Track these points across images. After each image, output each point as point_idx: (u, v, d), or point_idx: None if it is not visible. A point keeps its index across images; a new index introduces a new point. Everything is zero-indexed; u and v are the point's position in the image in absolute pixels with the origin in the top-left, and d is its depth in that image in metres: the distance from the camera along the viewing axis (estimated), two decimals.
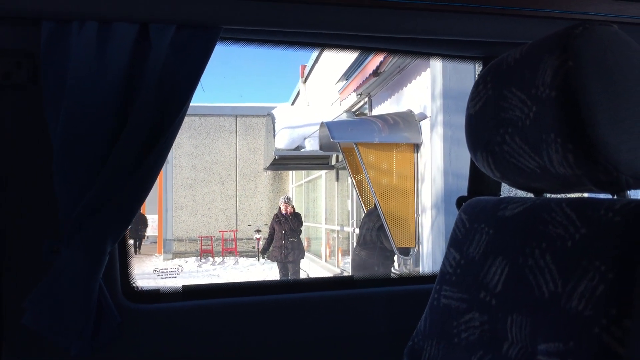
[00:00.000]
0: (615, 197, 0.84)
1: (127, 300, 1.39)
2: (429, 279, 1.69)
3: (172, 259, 16.58)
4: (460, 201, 1.48)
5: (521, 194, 1.10)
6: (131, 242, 18.07)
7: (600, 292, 0.75)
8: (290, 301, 1.52)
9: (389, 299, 1.60)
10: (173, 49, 1.20)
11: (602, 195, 0.89)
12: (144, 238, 18.72)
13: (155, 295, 1.46)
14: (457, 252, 1.10)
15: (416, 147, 6.87)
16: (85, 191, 1.18)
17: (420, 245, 6.72)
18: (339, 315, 1.54)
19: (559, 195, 0.99)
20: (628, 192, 0.84)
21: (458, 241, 1.11)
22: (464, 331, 1.01)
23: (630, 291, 0.72)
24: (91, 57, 1.17)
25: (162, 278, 12.73)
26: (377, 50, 1.57)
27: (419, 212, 6.75)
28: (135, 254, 17.75)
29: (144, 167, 1.20)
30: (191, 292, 1.48)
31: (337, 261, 11.77)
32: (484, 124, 1.00)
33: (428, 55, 1.62)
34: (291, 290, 1.56)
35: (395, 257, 7.11)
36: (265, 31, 1.32)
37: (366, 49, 1.51)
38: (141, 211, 18.14)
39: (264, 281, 5.48)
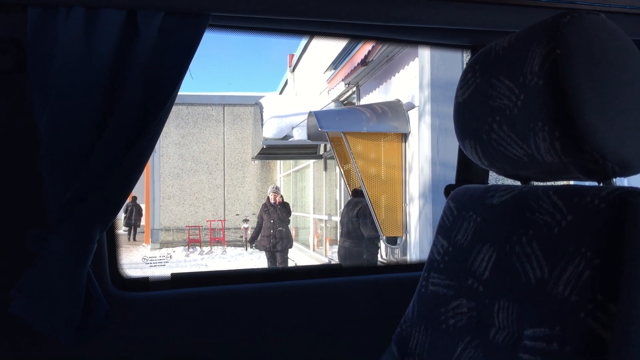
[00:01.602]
0: (601, 184, 0.85)
1: (115, 289, 1.38)
2: (416, 266, 1.71)
3: (160, 248, 16.55)
4: (448, 189, 1.49)
5: (508, 182, 1.11)
6: (125, 229, 18.23)
7: (586, 278, 0.76)
8: (279, 289, 1.52)
9: (377, 287, 1.61)
10: (161, 36, 1.19)
11: (587, 183, 0.90)
12: (138, 227, 18.76)
13: (144, 283, 1.45)
14: (445, 239, 1.11)
15: (404, 136, 6.90)
16: (73, 179, 1.17)
17: (407, 235, 6.76)
18: (327, 303, 1.54)
19: (545, 183, 1.00)
20: (614, 179, 0.85)
21: (446, 229, 1.12)
22: (452, 317, 1.02)
23: (615, 277, 0.73)
24: (78, 44, 1.15)
25: (150, 266, 12.85)
26: (366, 38, 1.57)
27: (407, 202, 6.78)
28: (130, 241, 18.02)
29: (132, 155, 1.19)
30: (180, 280, 1.48)
31: (325, 250, 11.81)
32: (473, 112, 1.00)
33: (417, 43, 1.62)
34: (280, 278, 1.57)
35: (383, 246, 7.15)
36: (254, 18, 1.31)
37: (355, 37, 1.51)
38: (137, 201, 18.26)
39: (253, 269, 5.48)
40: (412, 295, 1.18)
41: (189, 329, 1.43)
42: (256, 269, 7.87)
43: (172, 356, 1.41)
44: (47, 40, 1.16)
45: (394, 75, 7.52)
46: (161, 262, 13.38)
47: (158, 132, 1.22)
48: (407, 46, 5.81)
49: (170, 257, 14.24)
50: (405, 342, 1.12)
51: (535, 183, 1.05)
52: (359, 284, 1.60)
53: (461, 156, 1.62)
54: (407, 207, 6.77)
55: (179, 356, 1.42)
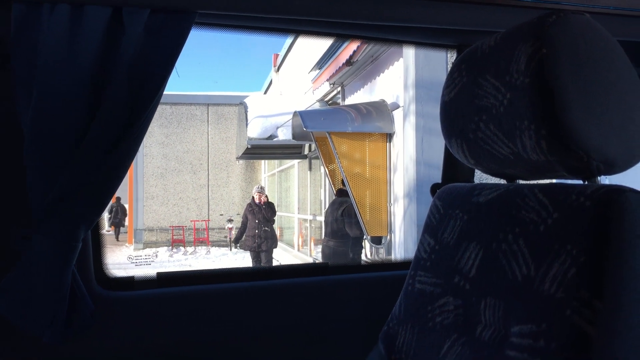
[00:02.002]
0: (586, 182, 0.86)
1: (100, 288, 1.37)
2: (403, 265, 1.71)
3: (143, 248, 16.44)
4: (434, 188, 1.49)
5: (492, 181, 1.12)
6: (107, 230, 18.13)
7: (571, 275, 0.76)
8: (265, 288, 1.52)
9: (364, 286, 1.62)
10: (147, 34, 1.18)
11: (569, 182, 0.91)
12: (123, 227, 18.66)
13: (129, 282, 1.44)
14: (432, 237, 1.11)
15: (389, 136, 6.92)
16: (57, 177, 1.16)
17: (392, 234, 6.78)
18: (313, 302, 1.54)
19: (531, 182, 1.01)
20: (598, 177, 0.86)
21: (432, 227, 1.12)
22: (438, 315, 1.03)
23: (601, 274, 0.74)
24: (63, 41, 1.14)
25: (136, 265, 12.91)
26: (353, 37, 1.58)
27: (392, 201, 6.81)
28: (116, 241, 17.92)
29: (117, 154, 1.18)
30: (166, 279, 1.47)
31: (310, 250, 11.81)
32: (459, 111, 1.01)
33: (403, 43, 1.62)
34: (266, 277, 1.57)
35: (367, 246, 7.17)
36: (240, 16, 1.31)
37: (342, 36, 1.52)
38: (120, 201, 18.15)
39: (239, 268, 5.46)
40: (398, 294, 1.18)
41: (175, 328, 1.42)
42: (242, 268, 7.85)
43: (157, 355, 1.40)
44: (32, 37, 1.15)
45: (379, 76, 7.55)
46: (147, 261, 13.49)
47: (144, 131, 1.21)
48: (393, 45, 5.83)
49: (156, 256, 14.35)
50: (392, 341, 1.12)
51: (521, 182, 1.06)
52: (346, 283, 1.61)
53: (447, 155, 1.63)
54: (391, 207, 6.80)
55: (165, 355, 1.41)
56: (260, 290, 1.51)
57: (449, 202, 1.11)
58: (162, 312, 1.42)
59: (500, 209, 0.95)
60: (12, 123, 1.21)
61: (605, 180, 1.01)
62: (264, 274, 1.59)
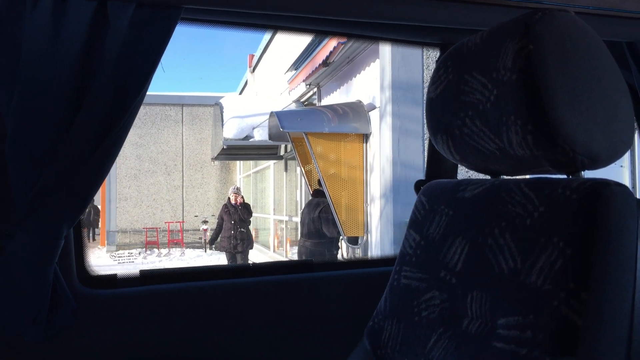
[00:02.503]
0: (571, 177, 0.88)
1: (82, 286, 1.35)
2: (387, 261, 1.72)
3: (116, 250, 16.22)
4: (418, 185, 1.50)
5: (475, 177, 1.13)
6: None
7: (558, 267, 0.78)
8: (249, 285, 1.51)
9: (349, 282, 1.62)
10: (132, 28, 1.16)
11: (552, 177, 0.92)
12: (97, 227, 18.40)
13: (111, 280, 1.42)
14: (417, 233, 1.12)
15: (365, 137, 6.95)
16: (40, 173, 1.14)
17: (369, 235, 6.80)
18: (298, 298, 1.54)
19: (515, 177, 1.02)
20: (582, 172, 0.88)
21: (418, 223, 1.13)
22: (424, 310, 1.03)
23: (588, 265, 0.75)
24: (46, 35, 1.11)
25: (119, 263, 13.63)
26: (335, 34, 1.58)
27: (368, 202, 6.83)
28: (90, 242, 17.82)
29: (101, 150, 1.16)
30: (149, 277, 1.45)
31: (286, 251, 11.78)
32: (445, 107, 1.02)
33: (386, 40, 1.63)
34: (250, 274, 1.56)
35: (344, 246, 7.18)
36: (225, 12, 1.30)
37: (324, 32, 1.52)
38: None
39: (223, 265, 5.41)
40: (383, 290, 1.18)
41: (158, 326, 1.40)
42: (226, 265, 7.79)
43: (140, 353, 1.38)
44: (14, 30, 1.12)
45: (355, 77, 7.57)
46: (130, 260, 14.12)
47: (128, 127, 1.20)
48: (376, 42, 5.86)
49: (140, 253, 14.94)
50: (378, 336, 1.13)
51: (505, 177, 1.07)
52: (330, 280, 1.61)
53: (431, 151, 1.65)
54: (368, 207, 6.82)
55: (148, 353, 1.39)
56: (245, 288, 1.50)
57: (434, 198, 1.11)
58: (145, 309, 1.40)
59: (486, 203, 0.96)
60: None
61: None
62: (248, 271, 1.58)
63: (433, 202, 1.11)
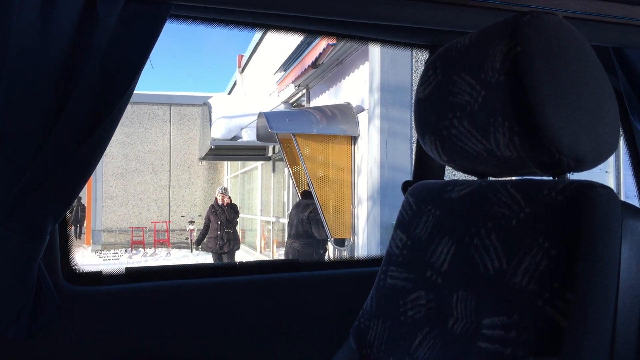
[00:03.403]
0: (556, 179, 0.88)
1: (67, 282, 1.34)
2: (373, 261, 1.72)
3: (102, 250, 16.11)
4: (405, 185, 1.51)
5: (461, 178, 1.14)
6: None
7: (543, 268, 0.78)
8: (235, 283, 1.51)
9: (335, 282, 1.62)
10: (121, 24, 1.16)
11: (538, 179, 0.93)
12: (83, 226, 18.25)
13: (97, 277, 1.41)
14: (404, 233, 1.12)
15: (353, 139, 6.96)
16: (25, 169, 1.13)
17: (355, 236, 6.81)
18: (284, 298, 1.54)
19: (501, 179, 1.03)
20: (568, 174, 0.89)
21: (405, 223, 1.14)
22: (410, 309, 1.04)
23: (572, 266, 0.76)
24: (34, 29, 1.10)
25: (104, 260, 13.89)
26: (325, 34, 1.58)
27: (355, 204, 6.84)
28: (77, 239, 17.65)
29: (88, 146, 1.15)
30: (134, 275, 1.45)
31: (272, 252, 11.77)
32: (433, 108, 1.02)
33: (375, 41, 1.64)
34: (236, 273, 1.56)
35: (330, 248, 7.18)
36: (215, 9, 1.30)
37: (314, 32, 1.52)
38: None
39: (209, 264, 5.37)
40: (369, 290, 1.19)
41: (143, 323, 1.40)
42: (212, 263, 7.75)
43: (124, 351, 1.38)
44: (2, 24, 1.11)
45: (344, 79, 7.59)
46: (115, 257, 14.44)
47: (115, 124, 1.19)
48: (365, 43, 5.87)
49: (125, 252, 15.20)
50: (364, 335, 1.13)
51: (491, 178, 1.08)
52: (317, 279, 1.61)
53: (419, 152, 1.65)
54: (355, 209, 6.83)
55: (132, 351, 1.38)
56: (231, 286, 1.50)
57: (421, 198, 1.12)
58: (130, 307, 1.39)
59: (473, 204, 0.97)
60: None
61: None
62: (234, 270, 1.58)
63: (420, 202, 1.12)
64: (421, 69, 5.98)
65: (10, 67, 1.10)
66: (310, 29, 1.49)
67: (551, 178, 0.89)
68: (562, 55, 0.84)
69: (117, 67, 1.16)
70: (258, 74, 13.52)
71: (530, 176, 0.96)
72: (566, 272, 0.76)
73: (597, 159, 0.88)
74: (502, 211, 0.90)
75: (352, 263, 1.78)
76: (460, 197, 1.01)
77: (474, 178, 1.08)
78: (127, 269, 1.45)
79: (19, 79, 1.10)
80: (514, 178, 0.98)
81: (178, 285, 1.46)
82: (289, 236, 7.07)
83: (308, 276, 1.60)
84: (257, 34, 13.17)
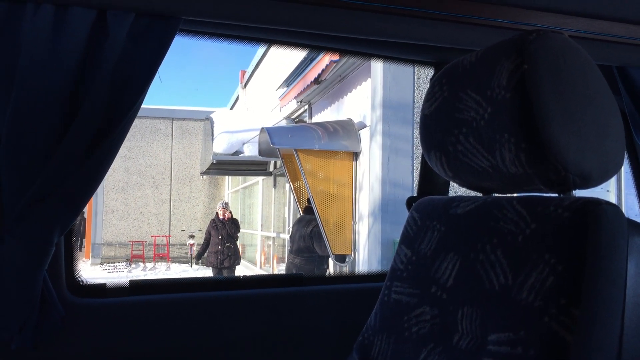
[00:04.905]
0: (562, 195, 0.89)
1: (71, 294, 1.34)
2: (377, 277, 1.72)
3: (101, 263, 16.06)
4: (410, 201, 1.51)
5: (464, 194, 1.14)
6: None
7: (550, 284, 0.78)
8: (238, 297, 1.50)
9: (339, 297, 1.62)
10: (131, 38, 1.17)
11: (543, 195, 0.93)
12: (84, 238, 18.21)
13: (100, 289, 1.41)
14: (409, 248, 1.12)
15: (355, 155, 6.97)
16: (34, 179, 1.13)
17: (356, 253, 6.79)
18: (287, 312, 1.54)
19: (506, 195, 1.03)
20: (573, 191, 0.89)
21: (409, 238, 1.14)
22: (415, 325, 1.03)
23: (579, 282, 0.76)
24: (45, 42, 1.12)
25: (108, 272, 14.10)
26: (330, 49, 1.59)
27: (356, 220, 6.83)
28: (80, 251, 17.56)
29: (95, 158, 1.16)
30: (138, 287, 1.44)
31: (272, 268, 11.72)
32: (439, 124, 1.03)
33: (380, 57, 1.65)
34: (240, 287, 1.55)
35: (331, 264, 7.16)
36: (224, 25, 1.31)
37: (319, 47, 1.53)
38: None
39: (213, 277, 5.32)
40: (372, 306, 1.18)
41: (146, 336, 1.39)
42: (216, 277, 7.72)
43: None
44: (13, 37, 1.12)
45: (346, 95, 7.61)
46: (119, 269, 14.76)
47: (123, 136, 1.20)
48: (370, 59, 5.90)
49: (125, 266, 15.39)
50: (367, 350, 1.13)
51: (496, 195, 1.08)
52: (320, 294, 1.61)
53: (424, 168, 1.66)
54: (356, 225, 6.82)
55: None
56: (234, 300, 1.50)
57: (426, 214, 1.12)
58: (133, 320, 1.39)
59: (478, 220, 0.97)
60: None
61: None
62: (238, 284, 1.57)
63: (425, 218, 1.12)
64: (423, 86, 6.00)
65: (21, 78, 1.11)
66: (316, 45, 1.50)
67: (557, 195, 0.90)
68: (568, 73, 0.85)
69: (126, 80, 1.17)
70: (260, 89, 13.58)
71: (535, 193, 0.97)
72: (572, 288, 0.76)
73: (603, 176, 0.89)
74: (508, 227, 0.90)
75: (356, 278, 1.78)
76: (466, 213, 1.01)
77: (479, 194, 1.08)
78: (130, 281, 1.45)
79: (30, 90, 1.11)
80: (518, 195, 0.99)
81: (182, 298, 1.45)
82: (291, 251, 7.05)
83: (312, 291, 1.60)
84: (260, 50, 13.25)
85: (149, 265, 15.79)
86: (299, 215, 7.59)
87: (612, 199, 5.62)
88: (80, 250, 17.77)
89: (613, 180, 5.65)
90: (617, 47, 1.48)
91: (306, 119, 9.49)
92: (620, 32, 1.42)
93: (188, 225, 17.19)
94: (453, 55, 1.37)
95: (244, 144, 10.66)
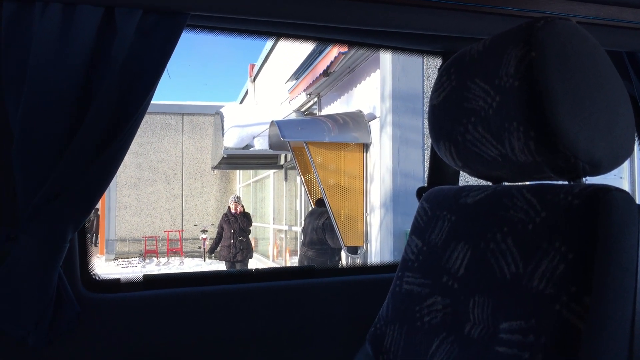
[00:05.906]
0: (572, 183, 0.88)
1: (86, 290, 1.35)
2: (389, 267, 1.73)
3: (115, 259, 16.20)
4: (420, 191, 1.51)
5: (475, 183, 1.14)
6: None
7: (560, 272, 0.78)
8: (252, 290, 1.52)
9: (351, 288, 1.63)
10: (139, 35, 1.18)
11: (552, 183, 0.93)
12: (97, 233, 18.41)
13: (115, 284, 1.43)
14: (419, 239, 1.13)
15: (365, 147, 6.96)
16: (46, 177, 1.15)
17: (368, 244, 6.80)
18: (300, 304, 1.55)
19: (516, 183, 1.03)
20: (583, 179, 0.89)
21: (420, 229, 1.14)
22: (427, 315, 1.04)
23: (590, 270, 0.76)
24: (54, 41, 1.13)
25: (122, 267, 14.39)
26: (338, 41, 1.59)
27: (368, 212, 6.83)
28: (95, 246, 17.92)
29: (107, 154, 1.18)
30: (152, 282, 1.46)
31: (285, 261, 11.76)
32: (447, 114, 1.03)
33: (388, 48, 1.65)
34: (253, 280, 1.56)
35: (343, 256, 7.17)
36: (231, 19, 1.32)
37: (327, 40, 1.53)
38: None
39: (225, 270, 5.38)
40: (384, 296, 1.19)
41: (161, 331, 1.41)
42: (229, 270, 7.76)
43: (142, 357, 1.39)
44: (23, 36, 1.14)
45: (356, 87, 7.60)
46: (133, 264, 14.93)
47: (133, 132, 1.21)
48: (378, 50, 5.88)
49: (139, 262, 15.58)
50: (380, 341, 1.13)
51: (506, 183, 1.08)
52: (332, 286, 1.61)
53: (433, 158, 1.66)
54: (368, 217, 6.82)
55: (150, 357, 1.39)
56: (247, 293, 1.51)
57: (436, 204, 1.12)
58: (148, 314, 1.40)
59: (489, 209, 0.97)
60: (1, 122, 1.19)
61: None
62: (250, 277, 1.59)
63: (435, 208, 1.12)
64: (432, 76, 5.97)
65: (31, 78, 1.12)
66: (324, 37, 1.50)
67: (567, 182, 0.89)
68: (576, 60, 0.84)
69: (135, 77, 1.18)
70: (269, 82, 13.58)
71: (545, 181, 0.97)
72: (583, 275, 0.76)
73: (613, 163, 0.88)
74: (518, 216, 0.90)
75: (368, 269, 1.78)
76: (476, 202, 1.01)
77: (489, 183, 1.08)
78: (144, 276, 1.47)
79: (40, 89, 1.13)
80: (528, 183, 0.99)
81: (195, 292, 1.47)
82: (303, 244, 7.07)
83: (324, 282, 1.61)
84: (269, 43, 13.24)
85: (163, 260, 15.90)
86: (310, 208, 7.61)
87: (626, 185, 5.57)
88: (95, 246, 17.94)
89: (626, 166, 5.61)
90: (626, 32, 1.46)
91: (316, 111, 9.48)
92: (629, 17, 1.40)
93: (200, 220, 17.28)
94: (461, 44, 1.37)
95: (254, 137, 10.68)
